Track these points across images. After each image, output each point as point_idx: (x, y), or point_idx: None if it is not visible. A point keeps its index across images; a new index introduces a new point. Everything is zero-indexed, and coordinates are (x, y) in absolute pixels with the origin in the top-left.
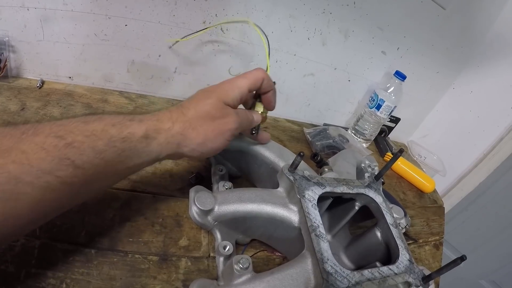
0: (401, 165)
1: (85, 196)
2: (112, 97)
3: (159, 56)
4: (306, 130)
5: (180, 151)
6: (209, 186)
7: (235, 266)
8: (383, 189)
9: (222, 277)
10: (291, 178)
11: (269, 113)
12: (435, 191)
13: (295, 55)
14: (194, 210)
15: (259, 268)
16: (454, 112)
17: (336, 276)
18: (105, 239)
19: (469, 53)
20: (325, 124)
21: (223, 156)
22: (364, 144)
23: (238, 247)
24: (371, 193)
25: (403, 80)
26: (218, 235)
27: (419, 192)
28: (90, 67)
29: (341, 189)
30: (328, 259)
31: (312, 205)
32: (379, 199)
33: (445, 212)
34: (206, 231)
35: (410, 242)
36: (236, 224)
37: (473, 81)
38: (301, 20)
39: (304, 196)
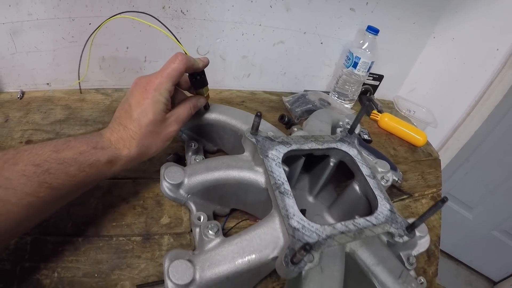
0: (389, 121)
1: (59, 207)
2: (89, 96)
3: (127, 48)
4: (285, 99)
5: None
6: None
7: (204, 231)
8: (371, 147)
9: (198, 247)
10: (253, 140)
11: (246, 87)
12: (428, 143)
13: (260, 25)
14: (165, 185)
15: None
16: (439, 62)
17: (303, 231)
18: (90, 227)
19: None
20: (305, 91)
21: (195, 132)
22: (348, 105)
23: (220, 219)
24: (344, 147)
25: (376, 34)
26: (193, 207)
27: (411, 147)
28: (65, 71)
29: (309, 146)
30: (294, 215)
31: (276, 163)
32: (353, 152)
33: (445, 165)
34: (187, 207)
35: (405, 197)
36: (208, 194)
37: (453, 27)
38: None
39: (267, 155)
